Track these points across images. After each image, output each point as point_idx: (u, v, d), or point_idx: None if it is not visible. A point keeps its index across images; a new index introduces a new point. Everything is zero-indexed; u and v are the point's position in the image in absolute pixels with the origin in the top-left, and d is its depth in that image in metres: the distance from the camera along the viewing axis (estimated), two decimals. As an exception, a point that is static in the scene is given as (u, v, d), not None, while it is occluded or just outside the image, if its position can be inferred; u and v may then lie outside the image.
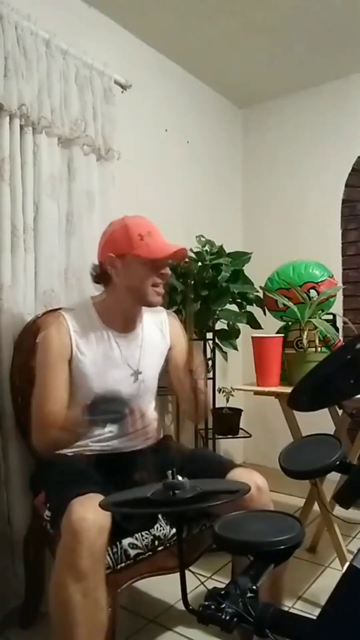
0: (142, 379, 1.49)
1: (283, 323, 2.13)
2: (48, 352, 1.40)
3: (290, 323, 2.06)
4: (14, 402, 1.63)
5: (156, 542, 1.31)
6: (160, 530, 1.33)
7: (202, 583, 1.07)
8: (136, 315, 1.51)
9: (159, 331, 1.58)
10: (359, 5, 2.19)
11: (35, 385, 1.40)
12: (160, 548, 1.32)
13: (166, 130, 2.61)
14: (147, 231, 1.40)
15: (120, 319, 1.47)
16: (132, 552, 1.26)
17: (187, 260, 2.24)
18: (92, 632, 1.09)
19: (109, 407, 1.26)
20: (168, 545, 1.34)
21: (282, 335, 2.07)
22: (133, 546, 1.26)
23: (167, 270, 1.44)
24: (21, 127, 1.72)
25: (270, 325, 2.19)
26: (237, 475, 1.36)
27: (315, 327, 1.88)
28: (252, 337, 2.05)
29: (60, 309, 1.75)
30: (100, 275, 1.48)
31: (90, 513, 1.10)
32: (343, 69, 2.69)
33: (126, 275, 1.42)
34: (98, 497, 1.11)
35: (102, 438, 1.44)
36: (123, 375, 1.45)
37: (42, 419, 1.36)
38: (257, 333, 2.15)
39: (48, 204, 1.81)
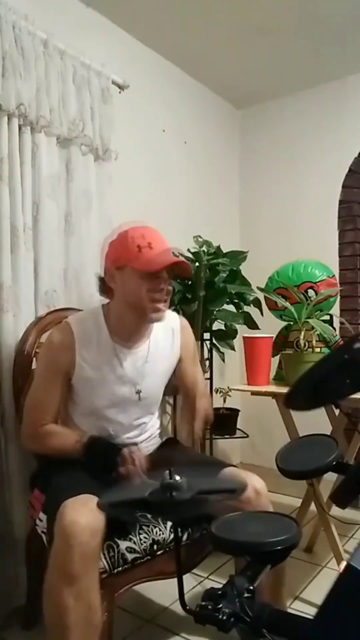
0: (144, 395, 1.46)
1: (284, 324, 2.14)
2: (46, 366, 1.41)
3: (291, 323, 2.07)
4: (15, 403, 1.63)
5: (155, 547, 1.30)
6: (160, 535, 1.32)
7: (200, 583, 1.07)
8: (142, 329, 1.46)
9: (168, 342, 1.53)
10: (357, 7, 2.19)
11: (30, 388, 1.44)
12: (159, 552, 1.32)
13: (164, 130, 2.61)
14: (147, 242, 1.33)
15: (125, 332, 1.43)
16: (130, 556, 1.25)
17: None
18: (86, 635, 1.08)
19: (102, 454, 1.31)
20: (167, 549, 1.33)
21: (272, 335, 2.09)
22: (131, 550, 1.26)
23: (167, 286, 1.37)
24: (20, 126, 1.72)
25: (270, 326, 2.19)
26: (233, 476, 1.36)
27: (313, 328, 1.88)
28: (244, 337, 2.09)
29: (64, 309, 1.77)
30: (104, 288, 1.44)
31: (82, 516, 1.09)
32: (340, 70, 2.70)
33: (124, 289, 1.38)
34: (91, 499, 1.11)
35: None
36: (125, 392, 1.43)
37: (29, 426, 1.41)
38: (252, 333, 2.16)
39: (48, 203, 1.81)
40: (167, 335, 1.53)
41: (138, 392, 1.44)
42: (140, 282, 1.33)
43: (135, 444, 1.46)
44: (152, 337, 1.48)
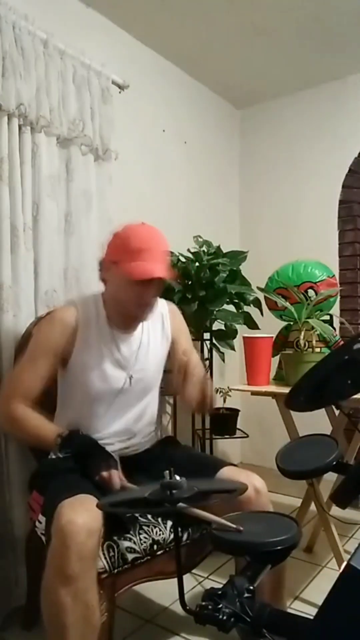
0: (137, 379, 1.47)
1: (284, 324, 2.14)
2: (42, 340, 1.41)
3: (292, 323, 2.07)
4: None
5: (155, 547, 1.30)
6: (160, 535, 1.32)
7: (200, 583, 1.07)
8: (133, 317, 1.49)
9: (159, 327, 1.56)
10: (356, 7, 2.19)
11: (17, 362, 1.42)
12: (159, 552, 1.31)
13: (164, 130, 2.61)
14: (140, 248, 1.33)
15: (119, 318, 1.46)
16: (130, 556, 1.25)
17: (183, 260, 2.25)
18: (84, 635, 1.08)
19: (86, 454, 1.29)
20: (167, 549, 1.33)
21: (272, 335, 2.09)
22: (131, 550, 1.25)
23: (153, 295, 1.38)
24: (20, 126, 1.72)
25: (270, 326, 2.19)
26: (234, 475, 1.36)
27: (313, 328, 1.88)
28: (244, 337, 2.10)
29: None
30: (101, 274, 1.47)
31: (79, 516, 1.09)
32: (340, 70, 2.70)
33: (113, 284, 1.42)
34: (89, 499, 1.11)
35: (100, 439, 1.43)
36: (117, 375, 1.44)
37: (4, 401, 1.36)
38: (252, 333, 2.16)
39: (48, 203, 1.81)
40: (157, 320, 1.56)
41: (130, 377, 1.45)
42: (126, 284, 1.36)
43: (132, 435, 1.46)
44: (144, 324, 1.52)
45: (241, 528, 0.88)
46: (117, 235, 1.41)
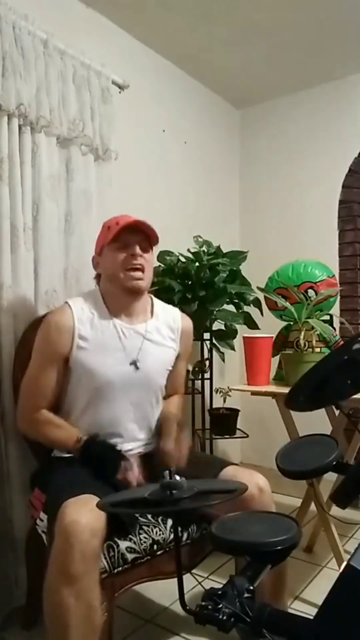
0: (141, 369, 1.45)
1: (284, 324, 2.14)
2: (43, 346, 1.43)
3: (292, 323, 2.07)
4: (16, 403, 1.61)
5: (155, 547, 1.30)
6: (160, 535, 1.32)
7: (200, 583, 1.07)
8: (136, 304, 1.50)
9: (169, 331, 1.57)
10: (357, 6, 2.19)
11: (27, 370, 1.45)
12: (159, 552, 1.31)
13: (164, 130, 2.61)
14: (116, 222, 1.44)
15: (122, 307, 1.48)
16: (130, 556, 1.25)
17: (183, 259, 2.25)
18: (86, 635, 1.08)
19: (104, 458, 1.33)
20: (167, 549, 1.33)
21: (272, 335, 2.09)
22: (131, 550, 1.25)
23: (136, 250, 1.43)
24: (20, 126, 1.72)
25: (270, 326, 2.20)
26: (237, 474, 1.36)
27: (313, 328, 1.88)
28: (244, 337, 2.10)
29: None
30: (97, 277, 1.56)
31: (82, 516, 1.09)
32: (341, 70, 2.70)
33: (103, 267, 1.49)
34: (92, 499, 1.11)
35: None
36: (122, 363, 1.43)
37: (25, 410, 1.45)
38: (252, 333, 2.16)
39: (48, 203, 1.81)
40: (168, 325, 1.56)
41: (134, 362, 1.44)
42: (112, 254, 1.44)
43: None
44: (152, 320, 1.53)
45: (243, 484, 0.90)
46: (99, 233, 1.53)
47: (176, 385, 1.65)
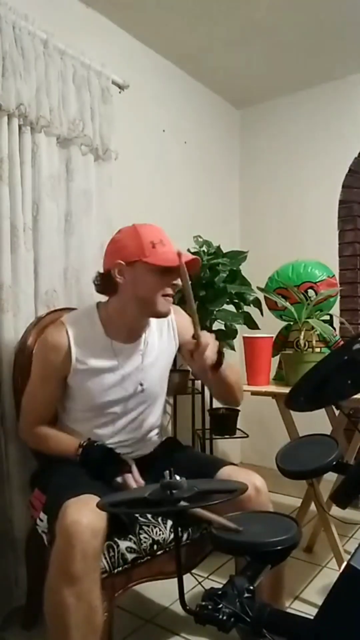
0: (144, 389, 1.46)
1: (284, 324, 2.14)
2: (41, 366, 1.42)
3: (292, 323, 2.07)
4: (15, 403, 1.62)
5: (155, 547, 1.30)
6: (160, 535, 1.32)
7: (200, 583, 1.07)
8: (141, 325, 1.47)
9: (165, 333, 1.54)
10: (357, 6, 2.19)
11: (27, 386, 1.46)
12: (159, 552, 1.31)
13: (164, 130, 2.61)
14: (159, 239, 1.35)
15: (124, 329, 1.43)
16: (130, 556, 1.25)
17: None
18: (87, 635, 1.08)
19: (103, 463, 1.33)
20: (167, 549, 1.33)
21: (272, 335, 2.09)
22: (131, 550, 1.25)
23: (179, 281, 1.35)
24: (20, 126, 1.72)
25: (270, 326, 2.20)
26: (234, 474, 1.36)
27: (313, 328, 1.88)
28: (243, 337, 2.10)
29: (64, 309, 1.77)
30: (106, 285, 1.41)
31: (84, 516, 1.09)
32: (341, 70, 2.70)
33: (136, 284, 1.36)
34: (93, 499, 1.11)
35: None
36: (124, 388, 1.43)
37: (26, 425, 1.46)
38: (252, 333, 2.16)
39: (48, 203, 1.81)
40: (162, 327, 1.54)
41: (138, 385, 1.44)
42: (154, 277, 1.34)
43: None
44: (147, 332, 1.50)
45: (240, 528, 0.88)
46: (124, 239, 1.39)
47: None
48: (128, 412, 1.45)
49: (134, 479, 1.31)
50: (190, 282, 1.25)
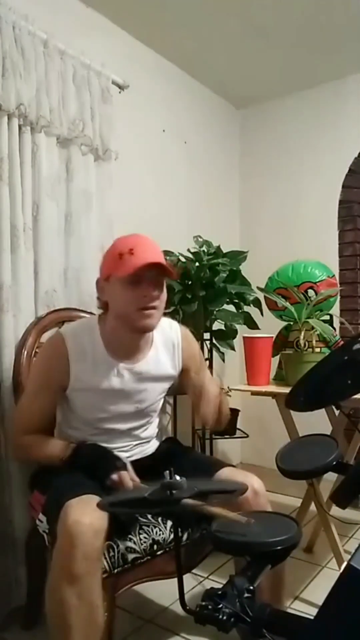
0: (143, 409, 1.45)
1: (284, 324, 2.14)
2: (38, 375, 1.40)
3: (292, 323, 2.07)
4: (16, 403, 1.61)
5: (155, 547, 1.30)
6: (160, 535, 1.32)
7: (200, 583, 1.07)
8: (139, 343, 1.40)
9: (169, 356, 1.47)
10: (356, 7, 2.19)
11: (20, 399, 1.44)
12: (159, 552, 1.31)
13: (164, 130, 2.61)
14: (129, 248, 1.27)
15: (122, 347, 1.38)
16: (130, 556, 1.25)
17: (183, 261, 2.25)
18: (88, 635, 1.08)
19: (96, 459, 1.29)
20: (167, 549, 1.33)
21: (272, 335, 2.09)
22: (131, 550, 1.25)
23: (155, 292, 1.28)
24: (20, 126, 1.72)
25: (270, 326, 2.20)
26: (232, 476, 1.36)
27: (313, 328, 1.88)
28: (244, 337, 2.10)
29: (64, 309, 1.77)
30: (100, 301, 1.40)
31: (85, 516, 1.09)
32: (340, 70, 2.70)
33: (112, 300, 1.33)
34: (94, 499, 1.11)
35: None
36: (122, 406, 1.41)
37: (15, 435, 1.41)
38: (252, 333, 2.16)
39: (48, 203, 1.81)
40: (168, 350, 1.48)
41: (136, 404, 1.43)
42: (123, 290, 1.28)
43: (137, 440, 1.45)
44: (151, 352, 1.44)
45: (252, 520, 0.88)
46: (105, 253, 1.38)
47: (201, 396, 1.36)
48: (126, 426, 1.44)
49: (128, 477, 1.26)
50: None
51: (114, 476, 1.25)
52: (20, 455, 1.48)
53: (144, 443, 1.51)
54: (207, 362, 2.43)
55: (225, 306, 2.29)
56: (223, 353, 2.46)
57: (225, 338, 2.38)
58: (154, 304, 1.30)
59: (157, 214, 2.47)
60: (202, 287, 2.21)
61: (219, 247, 2.37)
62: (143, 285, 1.28)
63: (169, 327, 1.50)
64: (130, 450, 1.47)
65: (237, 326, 2.37)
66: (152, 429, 1.55)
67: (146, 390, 1.44)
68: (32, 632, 1.59)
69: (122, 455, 1.43)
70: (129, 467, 1.32)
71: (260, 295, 2.22)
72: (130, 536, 1.27)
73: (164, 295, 1.34)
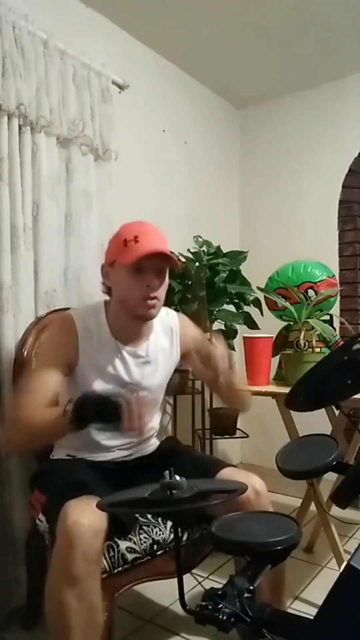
0: (144, 392, 1.44)
1: (284, 324, 2.14)
2: (47, 352, 1.39)
3: (292, 323, 2.07)
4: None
5: (155, 547, 1.30)
6: (160, 535, 1.32)
7: (200, 583, 1.07)
8: (141, 329, 1.42)
9: (169, 341, 1.50)
10: (356, 6, 2.19)
11: (25, 380, 1.34)
12: (159, 552, 1.32)
13: (164, 130, 2.61)
14: (134, 235, 1.28)
15: (125, 330, 1.40)
16: (130, 557, 1.25)
17: (184, 261, 2.25)
18: (88, 635, 1.08)
19: (99, 409, 1.13)
20: (167, 549, 1.33)
21: (272, 335, 2.09)
22: (131, 550, 1.26)
23: (157, 280, 1.30)
24: (20, 126, 1.72)
25: (270, 326, 2.19)
26: (233, 476, 1.36)
27: (313, 328, 1.88)
28: (243, 337, 2.10)
29: (64, 309, 1.75)
30: (104, 286, 1.41)
31: (85, 517, 1.09)
32: (340, 70, 2.70)
33: (115, 286, 1.35)
34: (93, 500, 1.11)
35: (102, 448, 1.43)
36: (122, 387, 1.40)
37: (16, 410, 1.26)
38: (252, 333, 2.16)
39: (48, 203, 1.81)
40: (167, 336, 1.51)
41: (137, 388, 1.42)
42: (127, 277, 1.30)
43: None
44: (151, 338, 1.47)
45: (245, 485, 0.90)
46: (111, 239, 1.39)
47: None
48: None
49: (138, 417, 1.10)
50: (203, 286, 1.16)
51: (125, 416, 1.09)
52: (16, 439, 1.27)
53: (144, 441, 1.51)
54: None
55: (225, 306, 2.29)
56: (223, 353, 2.45)
57: (225, 338, 2.38)
58: (156, 294, 1.32)
59: (157, 214, 2.46)
60: (202, 287, 2.21)
61: (219, 247, 2.37)
62: (146, 274, 1.29)
63: (166, 314, 1.52)
64: (131, 448, 1.47)
65: (237, 326, 2.37)
66: (153, 424, 1.53)
67: (147, 376, 1.44)
68: (32, 632, 1.59)
69: (123, 453, 1.43)
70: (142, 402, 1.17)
71: (260, 295, 2.22)
72: (130, 536, 1.27)
73: (166, 283, 1.37)
